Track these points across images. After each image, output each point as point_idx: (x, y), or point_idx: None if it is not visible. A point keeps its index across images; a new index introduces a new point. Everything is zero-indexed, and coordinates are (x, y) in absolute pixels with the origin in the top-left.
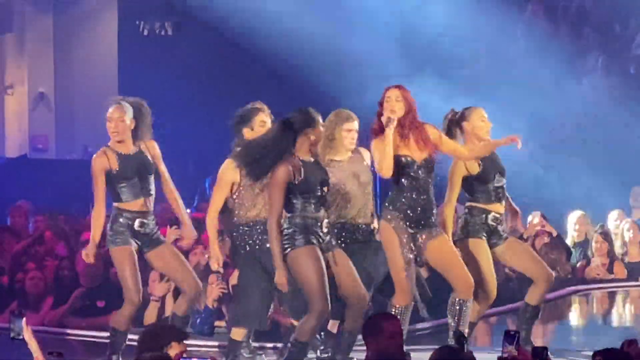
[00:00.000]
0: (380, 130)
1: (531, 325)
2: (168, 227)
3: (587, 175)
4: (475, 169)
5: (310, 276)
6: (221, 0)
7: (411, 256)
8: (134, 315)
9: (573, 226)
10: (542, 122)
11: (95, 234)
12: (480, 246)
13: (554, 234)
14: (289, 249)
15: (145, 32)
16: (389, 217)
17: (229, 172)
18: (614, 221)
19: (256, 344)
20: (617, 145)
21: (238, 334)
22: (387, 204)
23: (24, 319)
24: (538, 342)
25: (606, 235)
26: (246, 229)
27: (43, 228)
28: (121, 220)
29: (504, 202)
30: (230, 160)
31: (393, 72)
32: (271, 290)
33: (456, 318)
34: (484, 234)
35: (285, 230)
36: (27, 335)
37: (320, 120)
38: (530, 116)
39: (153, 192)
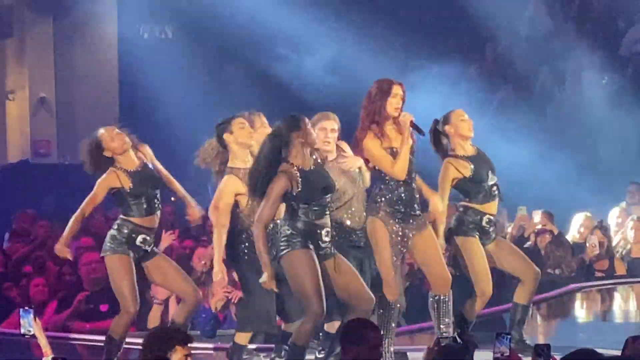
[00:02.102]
0: (370, 125)
1: (523, 325)
2: (163, 231)
3: (589, 173)
4: (467, 171)
5: (305, 279)
6: (221, 4)
7: (402, 251)
8: (130, 324)
9: (576, 227)
10: (543, 121)
11: (66, 233)
12: (473, 244)
13: (556, 232)
14: (285, 251)
15: (146, 36)
16: (378, 213)
17: (230, 186)
18: (616, 218)
19: (252, 346)
20: (619, 143)
21: (243, 338)
22: (375, 200)
23: (33, 314)
24: (541, 339)
25: (605, 231)
26: (251, 237)
27: (45, 233)
28: (125, 231)
29: (497, 201)
30: (228, 176)
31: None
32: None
33: (436, 314)
34: (476, 233)
35: (284, 232)
36: (37, 330)
37: (307, 122)
38: (531, 115)
39: (159, 206)
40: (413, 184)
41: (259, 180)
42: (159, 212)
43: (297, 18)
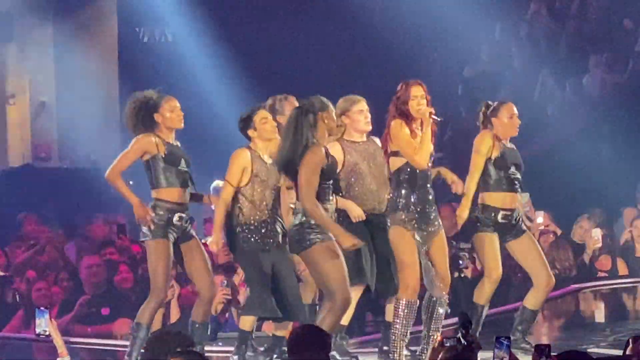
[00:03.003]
0: (400, 117)
1: (528, 328)
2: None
3: (595, 173)
4: (495, 152)
5: (337, 270)
6: (221, 7)
7: (422, 251)
8: (156, 311)
9: (577, 228)
10: (546, 120)
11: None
12: (487, 237)
13: (559, 232)
14: (316, 241)
15: (146, 39)
16: (401, 221)
17: (242, 157)
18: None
19: (261, 347)
20: (625, 143)
21: (246, 323)
22: (395, 207)
23: (48, 314)
24: (542, 339)
25: (609, 231)
26: (252, 228)
27: (45, 239)
28: (161, 212)
29: (517, 195)
30: (244, 149)
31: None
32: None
33: (428, 314)
34: (493, 229)
35: (306, 221)
36: (53, 331)
37: (332, 106)
38: (535, 114)
39: (190, 184)
40: (429, 184)
41: (293, 156)
42: (189, 190)
43: (297, 20)
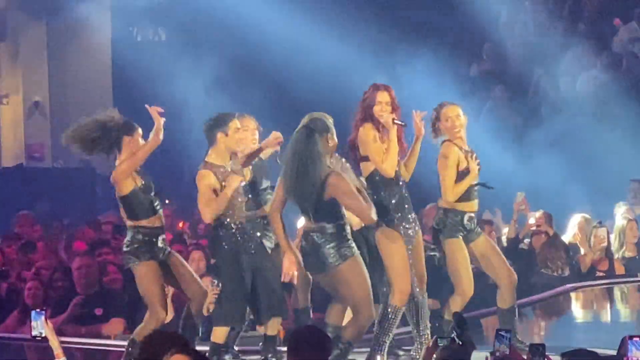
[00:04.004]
0: (365, 121)
1: (512, 326)
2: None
3: (585, 172)
4: (463, 163)
5: (363, 286)
6: (214, 6)
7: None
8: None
9: (572, 228)
10: (538, 120)
11: None
12: (457, 245)
13: (551, 232)
14: (342, 260)
15: (139, 39)
16: (384, 223)
17: (208, 181)
18: (621, 215)
19: (239, 347)
20: (616, 142)
21: (219, 335)
22: (377, 206)
23: (44, 316)
24: (536, 339)
25: (604, 232)
26: (233, 229)
27: (38, 238)
28: (139, 237)
29: (477, 201)
30: (207, 171)
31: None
32: (248, 290)
33: (413, 315)
34: (461, 233)
35: (340, 239)
36: (49, 332)
37: (332, 126)
38: (526, 114)
39: (160, 208)
40: (404, 188)
41: (314, 174)
42: (161, 212)
43: (290, 19)
